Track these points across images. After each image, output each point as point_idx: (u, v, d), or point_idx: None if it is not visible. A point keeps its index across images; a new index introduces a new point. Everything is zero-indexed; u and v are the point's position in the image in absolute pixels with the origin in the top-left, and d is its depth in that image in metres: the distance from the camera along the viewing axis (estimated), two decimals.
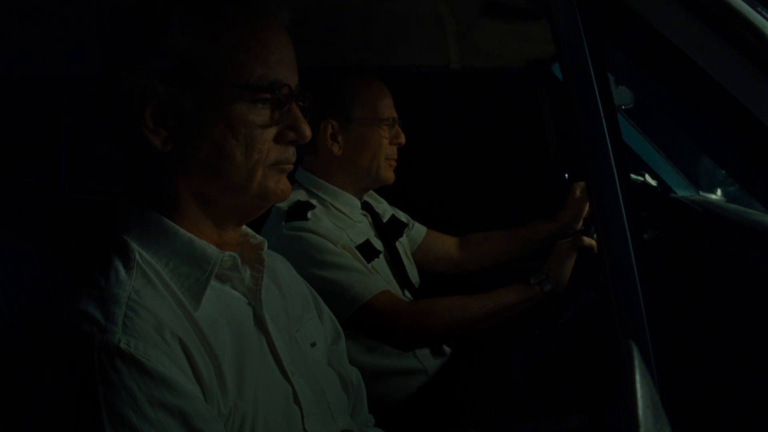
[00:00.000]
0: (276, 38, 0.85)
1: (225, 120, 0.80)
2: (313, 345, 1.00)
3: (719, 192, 1.93)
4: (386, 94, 1.60)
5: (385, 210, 1.77)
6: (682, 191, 1.90)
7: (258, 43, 0.82)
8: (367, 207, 1.67)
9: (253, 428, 0.81)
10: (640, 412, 0.46)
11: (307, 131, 0.86)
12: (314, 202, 1.53)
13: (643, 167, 1.94)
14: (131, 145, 0.81)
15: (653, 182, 1.93)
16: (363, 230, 1.60)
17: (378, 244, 1.62)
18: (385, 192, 1.78)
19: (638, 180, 1.96)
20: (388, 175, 1.61)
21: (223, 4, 0.83)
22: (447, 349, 1.68)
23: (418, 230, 1.86)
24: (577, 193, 1.78)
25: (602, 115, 0.73)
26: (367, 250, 1.56)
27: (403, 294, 1.63)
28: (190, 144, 0.81)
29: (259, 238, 0.95)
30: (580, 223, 1.77)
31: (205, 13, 0.81)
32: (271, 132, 0.84)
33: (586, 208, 1.76)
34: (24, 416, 0.75)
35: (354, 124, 1.55)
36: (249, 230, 0.95)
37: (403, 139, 1.61)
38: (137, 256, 0.80)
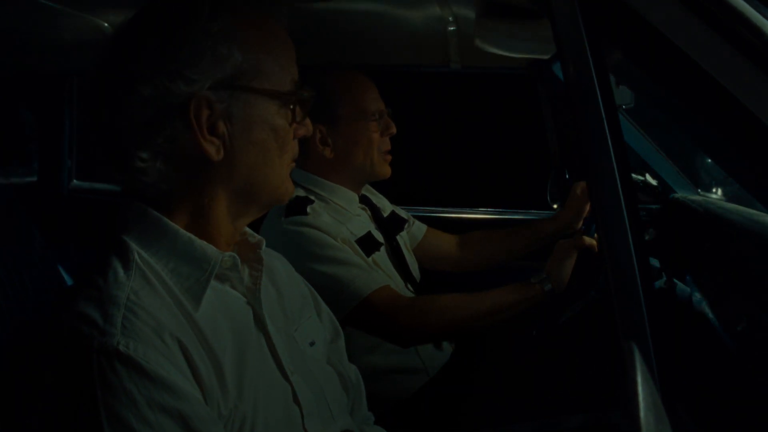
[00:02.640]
0: (290, 42, 0.88)
1: (270, 125, 0.84)
2: (312, 344, 1.00)
3: (719, 191, 1.93)
4: (369, 87, 1.58)
5: (385, 206, 1.77)
6: (683, 191, 1.90)
7: (283, 49, 0.87)
8: (365, 200, 1.67)
9: (253, 429, 0.81)
10: (642, 413, 0.46)
11: (309, 124, 0.91)
12: (312, 197, 1.53)
13: (643, 167, 1.94)
14: (179, 153, 0.80)
15: (653, 182, 1.93)
16: (363, 223, 1.61)
17: (379, 237, 1.62)
18: (385, 191, 1.78)
19: (639, 179, 1.96)
20: (384, 169, 1.60)
21: (249, 11, 0.85)
22: (448, 348, 1.68)
23: (418, 227, 1.86)
24: (578, 192, 1.78)
25: (603, 114, 0.73)
26: (367, 243, 1.55)
27: (406, 287, 1.63)
28: (239, 151, 0.83)
29: (257, 236, 0.95)
30: (581, 222, 1.77)
31: (244, 23, 0.83)
32: (293, 131, 0.88)
33: (587, 207, 1.76)
34: (24, 417, 0.75)
35: (341, 124, 1.54)
36: (247, 229, 0.95)
37: (394, 129, 1.59)
38: (136, 256, 0.80)
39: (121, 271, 0.77)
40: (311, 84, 1.53)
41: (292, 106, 0.86)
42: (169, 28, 0.80)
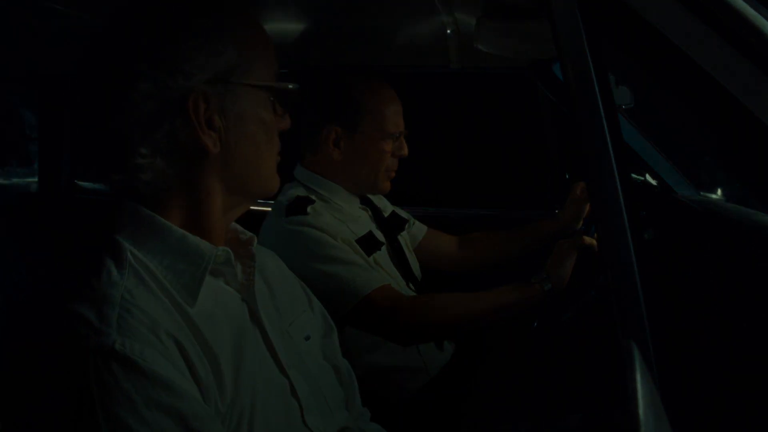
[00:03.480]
0: (269, 37, 0.90)
1: (260, 119, 0.87)
2: (307, 339, 1.01)
3: (719, 191, 1.93)
4: (396, 104, 1.58)
5: (386, 206, 1.77)
6: (683, 191, 1.90)
7: (263, 44, 0.88)
8: (366, 201, 1.67)
9: (252, 423, 0.81)
10: (641, 412, 0.46)
11: (288, 118, 0.93)
12: (313, 197, 1.53)
13: (643, 167, 1.94)
14: (177, 149, 0.81)
15: (653, 182, 1.93)
16: (364, 223, 1.61)
17: (380, 236, 1.62)
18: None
19: (639, 180, 1.96)
20: (385, 186, 1.61)
21: (238, 8, 0.86)
22: (449, 348, 1.68)
23: (418, 228, 1.86)
24: (578, 193, 1.79)
25: (603, 114, 0.73)
26: (368, 242, 1.56)
27: (408, 286, 1.63)
28: (234, 144, 0.84)
29: (248, 234, 0.96)
30: (581, 222, 1.77)
31: (235, 19, 0.85)
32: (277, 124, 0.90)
33: (587, 207, 1.76)
34: (23, 417, 0.74)
35: (358, 134, 1.54)
36: (238, 226, 0.96)
37: (405, 152, 1.60)
38: (129, 255, 0.80)
39: (114, 271, 0.77)
40: (338, 86, 1.55)
41: (276, 100, 0.89)
42: (167, 25, 0.81)
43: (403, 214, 1.82)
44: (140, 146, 0.79)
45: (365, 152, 1.55)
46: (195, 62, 0.80)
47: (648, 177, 1.94)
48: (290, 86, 0.90)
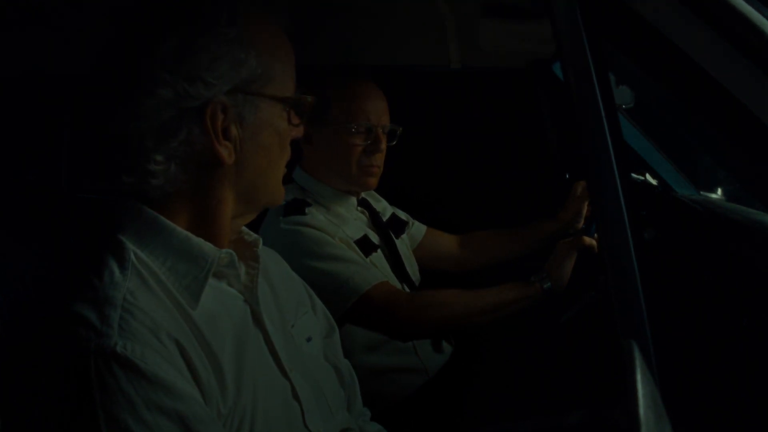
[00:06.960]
0: (291, 47, 0.89)
1: (275, 129, 0.87)
2: (308, 340, 1.01)
3: (719, 191, 1.93)
4: (371, 99, 1.54)
5: (385, 208, 1.77)
6: (683, 190, 1.91)
7: (286, 54, 0.88)
8: (364, 204, 1.66)
9: (252, 425, 0.81)
10: (642, 411, 0.47)
11: (302, 127, 0.92)
12: (310, 200, 1.53)
13: (643, 166, 1.94)
14: (192, 156, 0.81)
15: (654, 181, 1.93)
16: (360, 226, 1.61)
17: (376, 240, 1.62)
18: (384, 192, 1.78)
19: (639, 179, 1.96)
20: (366, 181, 1.56)
21: (260, 17, 0.86)
22: (448, 348, 1.68)
23: (417, 228, 1.86)
24: (578, 192, 1.78)
25: (603, 114, 0.73)
26: (364, 245, 1.56)
27: (402, 288, 1.63)
28: (248, 154, 0.84)
29: (254, 235, 0.96)
30: (581, 222, 1.77)
31: (257, 29, 0.84)
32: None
33: (587, 207, 1.76)
34: (23, 419, 0.74)
35: (327, 126, 1.52)
36: (244, 227, 0.96)
37: (382, 147, 1.54)
38: (132, 255, 0.79)
39: (117, 271, 0.77)
40: (315, 83, 1.54)
41: (294, 110, 0.88)
42: (190, 33, 0.79)
43: (402, 216, 1.81)
44: (155, 153, 0.79)
45: (333, 144, 1.52)
46: (216, 72, 0.79)
47: (648, 177, 1.94)
48: (309, 98, 0.89)
